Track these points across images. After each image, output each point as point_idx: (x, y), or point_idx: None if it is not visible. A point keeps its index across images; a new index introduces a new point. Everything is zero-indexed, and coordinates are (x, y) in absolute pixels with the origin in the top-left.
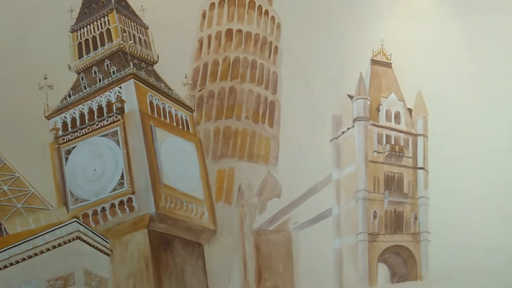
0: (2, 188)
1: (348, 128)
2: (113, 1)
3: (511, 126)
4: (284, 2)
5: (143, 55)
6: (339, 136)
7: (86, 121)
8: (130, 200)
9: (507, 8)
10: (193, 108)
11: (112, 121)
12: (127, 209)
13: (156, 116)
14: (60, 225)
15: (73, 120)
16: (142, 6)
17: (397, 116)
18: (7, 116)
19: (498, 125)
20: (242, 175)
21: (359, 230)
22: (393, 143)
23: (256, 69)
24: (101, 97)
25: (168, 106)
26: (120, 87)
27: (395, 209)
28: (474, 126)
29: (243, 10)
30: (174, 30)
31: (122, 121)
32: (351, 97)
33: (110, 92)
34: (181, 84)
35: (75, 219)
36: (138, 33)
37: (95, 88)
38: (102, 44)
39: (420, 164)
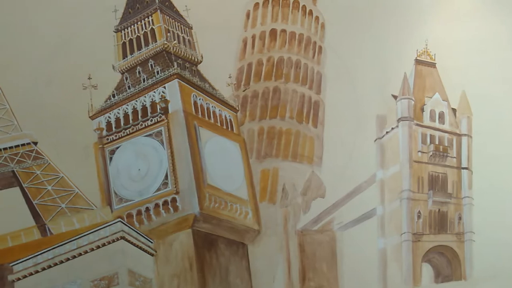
0: (46, 188)
1: (392, 128)
2: (157, 1)
3: None
4: (328, 2)
5: (187, 55)
6: (383, 136)
7: (130, 121)
8: (174, 200)
9: None
10: (237, 108)
11: (156, 121)
12: (171, 209)
13: (200, 116)
14: (104, 225)
15: (117, 120)
16: (186, 6)
17: (441, 116)
18: (52, 116)
19: None
20: (286, 175)
21: (403, 230)
22: (437, 143)
23: (300, 69)
24: (145, 97)
25: (212, 106)
26: (164, 87)
27: (439, 209)
28: None
29: (287, 10)
30: (218, 30)
31: (166, 121)
32: (395, 97)
33: (154, 92)
34: (225, 84)
35: (119, 219)
36: (182, 33)
37: (139, 88)
38: (146, 44)
39: (464, 164)
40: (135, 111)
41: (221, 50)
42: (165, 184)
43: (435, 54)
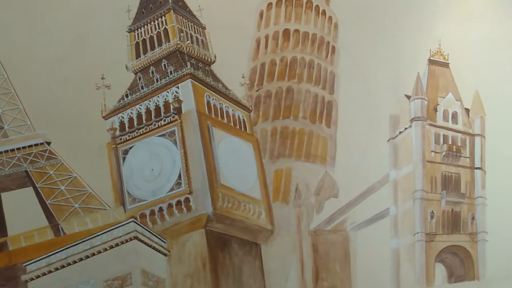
0: (60, 188)
1: (405, 128)
2: (170, 1)
3: None
4: (341, 2)
5: (201, 55)
6: (396, 136)
7: (144, 121)
8: (187, 200)
9: None
10: (251, 108)
11: (169, 121)
12: (184, 209)
13: (213, 116)
14: (118, 225)
15: (130, 120)
16: (199, 6)
17: (455, 116)
18: (65, 115)
19: None
20: (300, 175)
21: (416, 230)
22: (450, 143)
23: (314, 69)
24: (158, 97)
25: (226, 106)
26: (178, 87)
27: (452, 209)
28: None
29: (300, 10)
30: (231, 30)
31: (179, 121)
32: (408, 97)
33: (168, 92)
34: (239, 84)
35: (132, 219)
36: (195, 33)
37: (153, 88)
38: (160, 44)
39: (477, 164)
40: (148, 111)
41: (235, 50)
42: (178, 184)
43: (448, 54)
